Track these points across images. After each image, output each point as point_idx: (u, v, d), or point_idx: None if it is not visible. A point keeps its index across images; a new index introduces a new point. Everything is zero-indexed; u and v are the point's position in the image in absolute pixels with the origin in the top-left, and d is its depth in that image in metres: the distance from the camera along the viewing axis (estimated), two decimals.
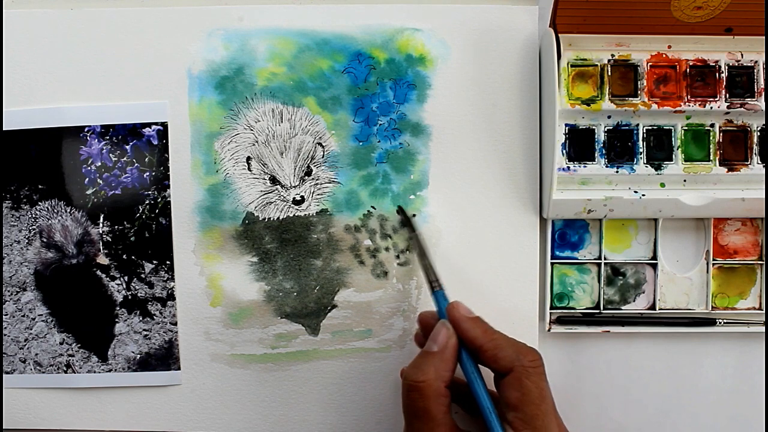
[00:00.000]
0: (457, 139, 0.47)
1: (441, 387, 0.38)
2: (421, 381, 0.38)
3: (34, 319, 0.48)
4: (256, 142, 0.47)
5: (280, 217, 0.47)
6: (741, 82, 0.46)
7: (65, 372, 0.48)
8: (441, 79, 0.47)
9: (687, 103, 0.45)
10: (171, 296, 0.47)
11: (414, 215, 0.46)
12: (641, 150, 0.46)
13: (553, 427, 0.37)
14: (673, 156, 0.46)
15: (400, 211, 0.46)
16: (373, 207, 0.47)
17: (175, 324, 0.48)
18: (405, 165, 0.47)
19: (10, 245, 0.48)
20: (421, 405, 0.38)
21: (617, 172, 0.46)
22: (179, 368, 0.48)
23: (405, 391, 0.38)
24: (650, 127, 0.46)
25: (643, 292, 0.48)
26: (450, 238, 0.47)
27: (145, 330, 0.48)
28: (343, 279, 0.47)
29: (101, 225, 0.47)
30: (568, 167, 0.45)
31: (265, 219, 0.47)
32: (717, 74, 0.45)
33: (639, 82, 0.45)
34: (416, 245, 0.45)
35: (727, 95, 0.45)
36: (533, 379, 0.38)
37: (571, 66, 0.45)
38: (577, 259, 0.48)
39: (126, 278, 0.47)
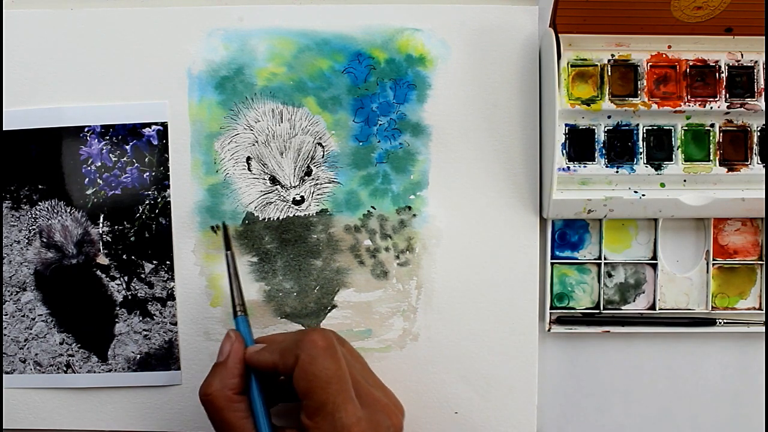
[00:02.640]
0: (457, 139, 0.47)
1: (229, 395, 0.39)
2: (208, 394, 0.39)
3: (34, 319, 0.48)
4: (256, 142, 0.47)
5: (280, 217, 0.47)
6: (741, 82, 0.46)
7: (65, 372, 0.48)
8: (441, 79, 0.47)
9: (687, 103, 0.45)
10: (171, 296, 0.47)
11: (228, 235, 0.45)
12: (641, 150, 0.46)
13: (347, 404, 0.36)
14: (673, 156, 0.46)
15: (223, 227, 0.45)
16: (373, 207, 0.47)
17: (175, 324, 0.48)
18: (405, 165, 0.47)
19: (10, 245, 0.48)
20: (216, 417, 0.39)
21: (617, 172, 0.46)
22: (179, 368, 0.48)
23: (204, 407, 0.39)
24: (650, 127, 0.46)
25: (643, 292, 0.48)
26: (450, 238, 0.47)
27: (145, 330, 0.48)
28: (343, 279, 0.47)
29: (101, 225, 0.47)
30: (568, 167, 0.45)
31: (265, 219, 0.47)
32: (717, 74, 0.45)
33: (639, 82, 0.45)
34: (229, 264, 0.43)
35: (727, 95, 0.45)
36: (319, 363, 0.37)
37: (571, 66, 0.45)
38: (577, 259, 0.48)
39: (126, 278, 0.47)
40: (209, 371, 0.40)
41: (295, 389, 0.37)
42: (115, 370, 0.48)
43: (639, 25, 0.44)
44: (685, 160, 0.46)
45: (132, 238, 0.47)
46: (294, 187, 0.47)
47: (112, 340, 0.48)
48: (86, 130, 0.47)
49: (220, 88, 0.47)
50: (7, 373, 0.48)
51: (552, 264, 0.48)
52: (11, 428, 0.48)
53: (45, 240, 0.47)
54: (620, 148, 0.46)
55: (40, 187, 0.47)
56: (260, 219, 0.47)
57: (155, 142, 0.47)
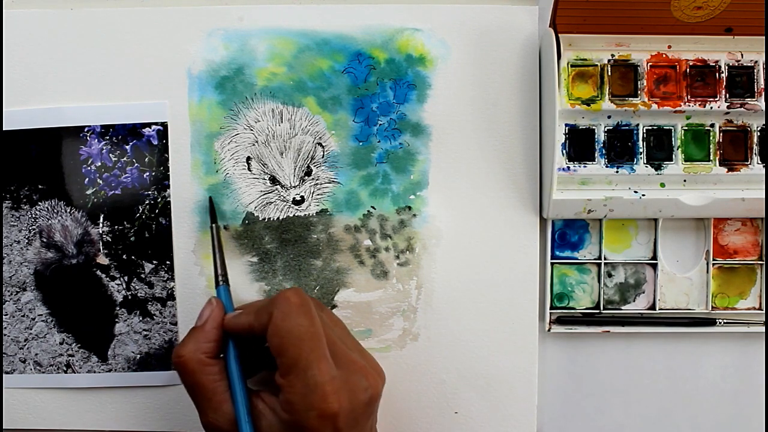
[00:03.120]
0: (457, 139, 0.47)
1: (202, 358, 0.38)
2: (180, 356, 0.39)
3: (34, 319, 0.48)
4: (256, 142, 0.47)
5: (280, 217, 0.47)
6: (741, 82, 0.46)
7: (65, 372, 0.48)
8: (441, 79, 0.47)
9: (687, 103, 0.45)
10: (171, 296, 0.47)
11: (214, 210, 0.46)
12: (641, 150, 0.46)
13: (321, 362, 0.36)
14: (673, 156, 0.46)
15: (210, 201, 0.46)
16: (373, 207, 0.47)
17: (175, 324, 0.48)
18: (405, 165, 0.47)
19: (10, 245, 0.48)
20: (189, 379, 0.38)
21: (617, 172, 0.46)
22: None
23: (176, 370, 0.39)
24: (650, 127, 0.46)
25: (643, 292, 0.48)
26: (450, 238, 0.47)
27: (145, 330, 0.48)
28: (343, 279, 0.47)
29: (101, 225, 0.47)
30: (568, 167, 0.45)
31: (265, 219, 0.47)
32: (717, 74, 0.45)
33: (639, 82, 0.45)
34: (213, 236, 0.45)
35: (727, 95, 0.45)
36: (292, 319, 0.36)
37: (571, 66, 0.45)
38: (577, 259, 0.48)
39: (126, 278, 0.47)
40: (185, 336, 0.40)
41: (270, 349, 0.37)
42: (115, 370, 0.48)
43: (639, 25, 0.44)
44: (685, 160, 0.46)
45: (132, 238, 0.47)
46: (294, 187, 0.47)
47: (112, 340, 0.48)
48: (86, 130, 0.47)
49: (220, 88, 0.47)
50: (7, 373, 0.48)
51: (552, 264, 0.48)
52: (11, 428, 0.48)
53: (45, 240, 0.47)
54: (620, 148, 0.46)
55: (40, 187, 0.47)
56: (260, 219, 0.47)
57: (155, 142, 0.47)
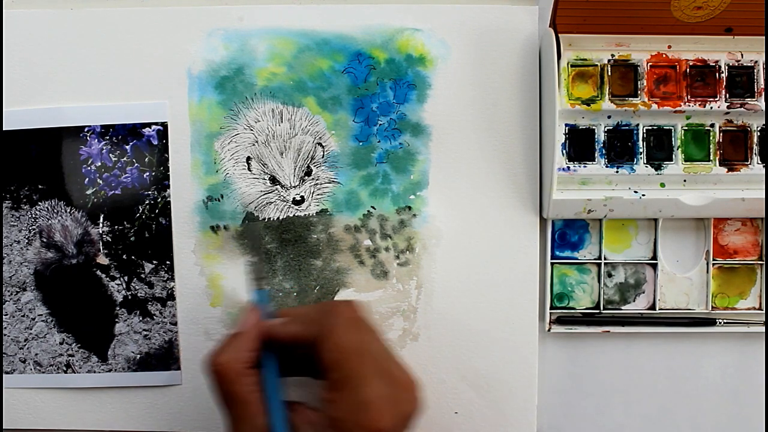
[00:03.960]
0: (457, 139, 0.47)
1: (239, 368, 0.37)
2: (219, 363, 0.37)
3: (34, 319, 0.48)
4: (256, 142, 0.47)
5: (280, 217, 0.47)
6: (741, 82, 0.46)
7: (65, 372, 0.48)
8: (441, 79, 0.47)
9: (687, 103, 0.45)
10: (171, 296, 0.47)
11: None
12: (641, 150, 0.46)
13: (372, 379, 0.35)
14: (673, 156, 0.46)
15: (248, 217, 0.46)
16: (373, 207, 0.47)
17: (175, 324, 0.48)
18: (405, 165, 0.47)
19: (10, 245, 0.48)
20: (224, 388, 0.37)
21: (617, 172, 0.46)
22: (179, 368, 0.48)
23: (209, 377, 0.37)
24: (650, 127, 0.46)
25: (643, 292, 0.48)
26: (450, 238, 0.47)
27: (145, 330, 0.48)
28: (343, 279, 0.47)
29: (101, 225, 0.47)
30: (568, 167, 0.45)
31: (265, 219, 0.47)
32: (717, 74, 0.45)
33: (639, 82, 0.45)
34: (252, 237, 0.44)
35: (727, 95, 0.45)
36: (348, 335, 0.36)
37: (571, 66, 0.45)
38: (577, 259, 0.48)
39: (126, 278, 0.47)
40: (222, 342, 0.38)
41: (318, 362, 0.36)
42: (115, 370, 0.48)
43: (639, 25, 0.44)
44: (685, 160, 0.46)
45: (132, 238, 0.47)
46: (294, 187, 0.47)
47: (112, 340, 0.48)
48: (86, 130, 0.47)
49: (220, 88, 0.47)
50: (7, 373, 0.48)
51: (552, 264, 0.48)
52: (11, 428, 0.48)
53: (45, 240, 0.47)
54: (620, 148, 0.46)
55: (40, 187, 0.47)
56: (260, 219, 0.47)
57: (155, 142, 0.47)
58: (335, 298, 0.47)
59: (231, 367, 0.37)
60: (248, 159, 0.47)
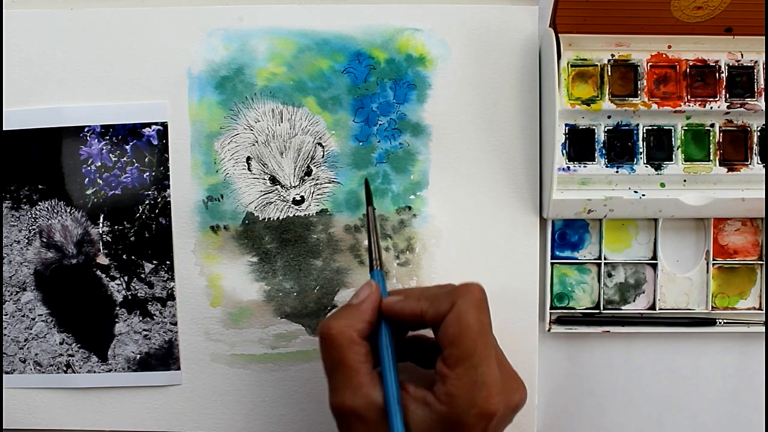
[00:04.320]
0: (457, 139, 0.47)
1: (353, 336, 0.37)
2: (331, 328, 0.37)
3: (34, 319, 0.48)
4: (256, 142, 0.47)
5: (280, 217, 0.47)
6: (741, 82, 0.46)
7: (65, 372, 0.48)
8: (441, 79, 0.47)
9: (687, 103, 0.45)
10: (171, 296, 0.47)
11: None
12: (641, 150, 0.46)
13: (491, 360, 0.36)
14: (673, 156, 0.46)
15: (366, 183, 0.46)
16: (373, 207, 0.47)
17: (175, 324, 0.48)
18: (405, 165, 0.47)
19: (10, 245, 0.48)
20: (334, 354, 0.37)
21: (617, 172, 0.46)
22: (179, 368, 0.48)
23: (320, 343, 0.38)
24: (650, 127, 0.46)
25: (643, 292, 0.48)
26: (450, 238, 0.47)
27: (145, 330, 0.48)
28: (343, 279, 0.47)
29: (101, 225, 0.47)
30: (568, 167, 0.45)
31: (265, 219, 0.47)
32: (717, 74, 0.45)
33: (639, 82, 0.45)
34: (369, 220, 0.44)
35: (727, 95, 0.45)
36: (473, 314, 0.36)
37: (571, 66, 0.45)
38: (577, 259, 0.48)
39: (126, 278, 0.47)
40: (337, 311, 0.39)
41: (439, 337, 0.36)
42: (115, 370, 0.48)
43: (639, 25, 0.44)
44: (685, 160, 0.46)
45: (132, 238, 0.47)
46: (294, 187, 0.47)
47: (112, 340, 0.48)
48: (86, 130, 0.47)
49: (220, 88, 0.47)
50: (7, 373, 0.48)
51: (552, 264, 0.48)
52: (11, 428, 0.48)
53: (45, 240, 0.47)
54: (620, 148, 0.46)
55: (40, 187, 0.47)
56: (260, 219, 0.47)
57: (155, 142, 0.47)
58: (335, 299, 0.47)
59: (344, 333, 0.37)
60: (248, 159, 0.47)
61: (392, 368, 0.37)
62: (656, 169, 0.46)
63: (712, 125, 0.46)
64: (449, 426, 0.35)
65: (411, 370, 0.40)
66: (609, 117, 0.45)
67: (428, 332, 0.43)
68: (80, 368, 0.48)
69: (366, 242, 0.47)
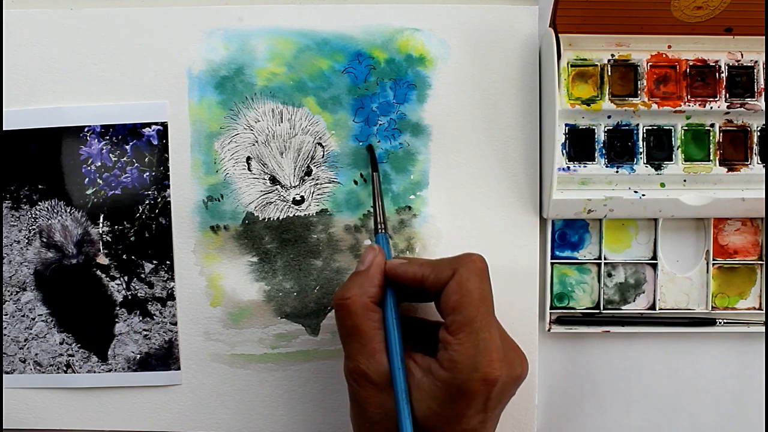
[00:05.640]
0: (457, 139, 0.47)
1: (367, 302, 0.38)
2: (346, 298, 0.38)
3: (34, 319, 0.48)
4: (256, 142, 0.47)
5: (280, 217, 0.47)
6: (741, 82, 0.46)
7: (65, 372, 0.48)
8: (441, 79, 0.47)
9: (687, 103, 0.45)
10: (171, 296, 0.47)
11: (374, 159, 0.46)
12: (641, 150, 0.46)
13: (492, 328, 0.36)
14: (673, 156, 0.46)
15: (370, 150, 0.46)
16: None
17: (175, 324, 0.48)
18: (405, 165, 0.47)
19: (10, 245, 0.48)
20: (350, 323, 0.38)
21: (617, 172, 0.46)
22: (179, 368, 0.48)
23: (335, 312, 0.38)
24: (650, 127, 0.46)
25: (643, 292, 0.48)
26: (450, 238, 0.47)
27: (145, 330, 0.48)
28: (343, 279, 0.47)
29: (101, 225, 0.47)
30: (568, 167, 0.45)
31: (265, 219, 0.47)
32: (717, 74, 0.45)
33: (639, 82, 0.45)
34: (374, 184, 0.45)
35: (727, 95, 0.45)
36: (474, 281, 0.37)
37: (571, 66, 0.45)
38: (577, 259, 0.48)
39: (126, 278, 0.47)
40: (347, 280, 0.40)
41: (440, 304, 0.37)
42: (115, 370, 0.48)
43: (639, 25, 0.44)
44: (685, 160, 0.46)
45: (132, 238, 0.47)
46: (294, 187, 0.47)
47: (112, 340, 0.48)
48: (86, 130, 0.47)
49: (220, 88, 0.47)
50: (7, 373, 0.48)
51: (552, 264, 0.48)
52: (11, 428, 0.48)
53: (45, 240, 0.47)
54: (620, 148, 0.46)
55: (40, 187, 0.47)
56: (260, 219, 0.47)
57: (155, 142, 0.47)
58: None
59: (358, 301, 0.38)
60: (248, 159, 0.47)
61: (397, 332, 0.38)
62: (656, 169, 0.46)
63: (712, 125, 0.46)
64: (453, 392, 0.35)
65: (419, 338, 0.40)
66: (609, 117, 0.46)
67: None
68: (80, 368, 0.48)
69: (366, 242, 0.47)
